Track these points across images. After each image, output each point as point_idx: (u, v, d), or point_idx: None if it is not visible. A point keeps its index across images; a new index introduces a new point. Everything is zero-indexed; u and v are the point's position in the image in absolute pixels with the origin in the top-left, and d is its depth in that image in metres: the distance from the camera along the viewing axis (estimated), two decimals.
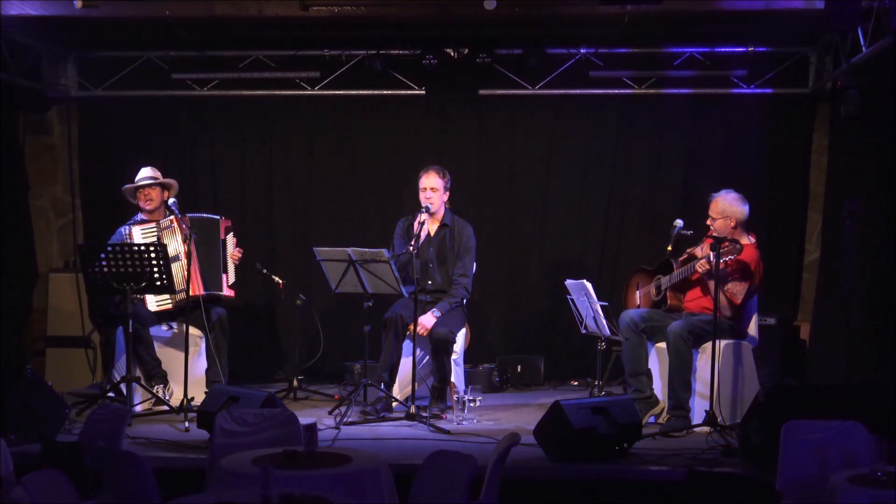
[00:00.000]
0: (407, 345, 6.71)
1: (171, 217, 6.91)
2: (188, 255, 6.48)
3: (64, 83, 8.39)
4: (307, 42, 8.24)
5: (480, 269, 7.54)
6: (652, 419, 6.34)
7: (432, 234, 6.92)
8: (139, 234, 6.93)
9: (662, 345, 6.41)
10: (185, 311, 6.51)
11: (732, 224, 6.32)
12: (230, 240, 7.20)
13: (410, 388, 6.53)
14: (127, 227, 7.00)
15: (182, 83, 8.40)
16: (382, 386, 6.59)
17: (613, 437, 5.48)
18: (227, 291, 7.16)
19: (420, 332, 6.52)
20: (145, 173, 7.09)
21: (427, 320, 6.62)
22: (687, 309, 6.58)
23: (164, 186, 7.09)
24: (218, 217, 7.20)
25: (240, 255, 7.27)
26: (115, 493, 4.00)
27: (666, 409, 6.28)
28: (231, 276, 7.20)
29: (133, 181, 7.13)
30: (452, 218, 6.98)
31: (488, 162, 8.50)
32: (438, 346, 6.55)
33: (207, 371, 6.95)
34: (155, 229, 6.96)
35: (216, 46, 8.30)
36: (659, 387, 6.49)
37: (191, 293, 6.48)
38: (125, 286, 6.33)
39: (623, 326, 6.49)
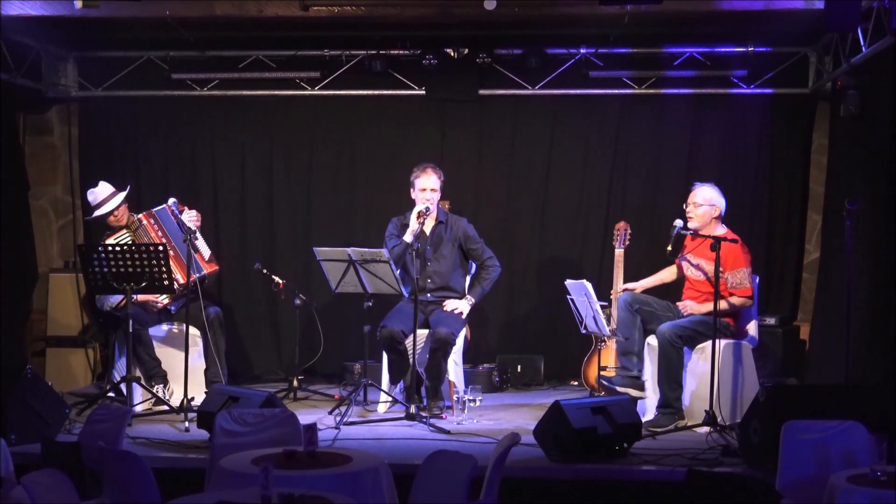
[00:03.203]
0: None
1: (139, 217, 6.89)
2: (165, 249, 6.35)
3: (64, 83, 8.39)
4: (307, 42, 8.24)
5: None
6: (641, 413, 6.28)
7: (428, 232, 6.92)
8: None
9: (655, 342, 6.42)
10: (183, 310, 6.51)
11: (715, 214, 6.48)
12: (185, 215, 6.91)
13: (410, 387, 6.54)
14: (101, 246, 6.71)
15: (182, 83, 8.39)
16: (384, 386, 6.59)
17: (613, 437, 5.48)
18: (208, 269, 7.02)
19: (455, 312, 6.73)
20: (103, 194, 6.98)
21: (462, 305, 6.77)
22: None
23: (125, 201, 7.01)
24: (164, 204, 6.98)
25: (198, 216, 7.01)
26: (115, 493, 4.00)
27: (655, 406, 6.33)
28: (205, 252, 7.05)
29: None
30: (446, 214, 7.02)
31: (488, 162, 8.49)
32: (439, 345, 6.54)
33: (207, 371, 6.94)
34: (127, 234, 6.93)
35: (216, 46, 8.29)
36: (651, 384, 6.54)
37: (182, 281, 6.44)
38: (125, 286, 6.32)
39: (620, 304, 6.58)
